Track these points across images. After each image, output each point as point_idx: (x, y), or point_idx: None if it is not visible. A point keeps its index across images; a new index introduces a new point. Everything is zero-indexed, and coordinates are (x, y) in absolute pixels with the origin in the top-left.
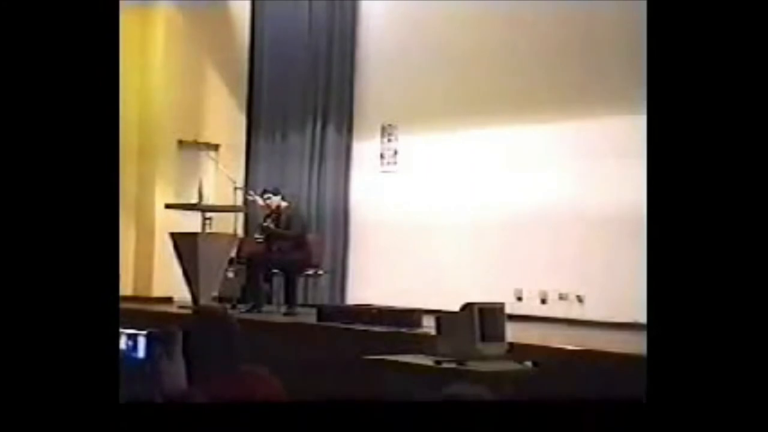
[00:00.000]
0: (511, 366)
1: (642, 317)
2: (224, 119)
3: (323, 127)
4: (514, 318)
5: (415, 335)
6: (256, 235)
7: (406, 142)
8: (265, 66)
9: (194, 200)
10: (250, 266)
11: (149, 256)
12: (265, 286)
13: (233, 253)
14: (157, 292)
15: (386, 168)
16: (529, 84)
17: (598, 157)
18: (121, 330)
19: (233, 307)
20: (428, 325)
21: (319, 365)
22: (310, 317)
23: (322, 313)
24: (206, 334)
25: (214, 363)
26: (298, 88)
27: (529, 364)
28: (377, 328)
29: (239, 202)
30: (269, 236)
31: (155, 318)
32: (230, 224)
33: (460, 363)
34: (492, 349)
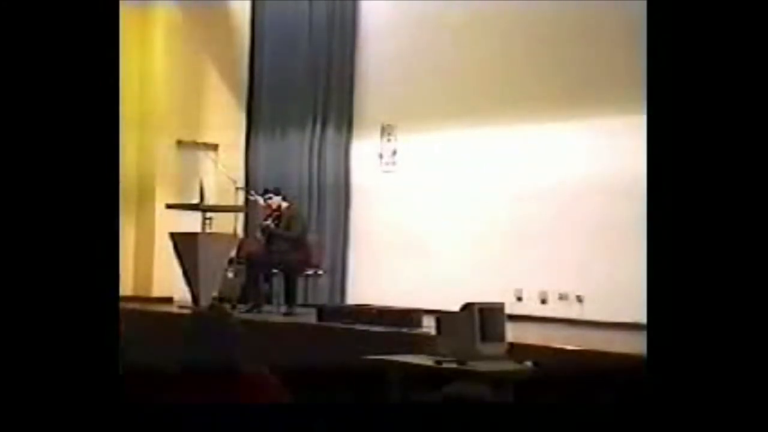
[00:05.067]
0: (511, 366)
1: (642, 317)
2: (224, 119)
3: (323, 127)
4: (514, 318)
5: (415, 335)
6: (257, 235)
7: (405, 142)
8: (265, 66)
9: (194, 200)
10: (250, 266)
11: (149, 256)
12: (265, 286)
13: (233, 253)
14: (157, 292)
15: (386, 168)
16: (529, 84)
17: (598, 157)
18: None
19: (233, 307)
20: (428, 325)
21: (319, 365)
22: (310, 317)
23: (322, 313)
24: (207, 334)
25: (215, 363)
26: (298, 87)
27: (529, 364)
28: (377, 328)
29: (240, 202)
30: (270, 236)
31: (155, 318)
32: (230, 224)
33: (460, 363)
34: (492, 349)
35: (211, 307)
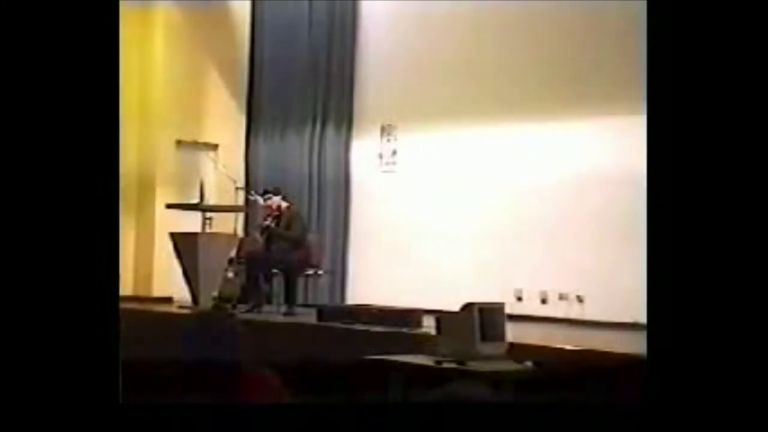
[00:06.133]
0: (511, 366)
1: (642, 317)
2: (224, 119)
3: (323, 127)
4: (514, 318)
5: (415, 335)
6: (256, 236)
7: (405, 142)
8: (265, 66)
9: (194, 200)
10: (250, 266)
11: (149, 256)
12: (265, 286)
13: (233, 253)
14: (157, 292)
15: (386, 168)
16: (529, 83)
17: (599, 156)
18: None
19: (233, 307)
20: (428, 325)
21: (319, 365)
22: (310, 317)
23: (322, 313)
24: (210, 334)
25: (216, 364)
26: (298, 87)
27: (529, 364)
28: (377, 328)
29: (240, 202)
30: (269, 236)
31: (156, 318)
32: (230, 224)
33: (460, 363)
34: (492, 349)
35: (214, 307)
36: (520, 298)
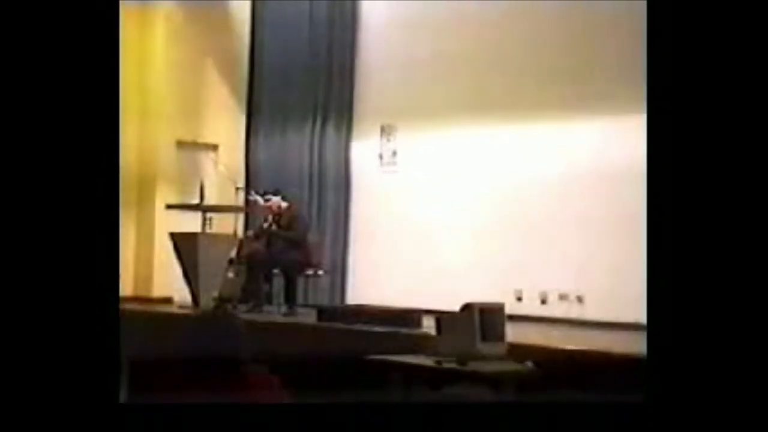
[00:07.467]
0: (511, 366)
1: (643, 317)
2: (224, 119)
3: (323, 127)
4: (514, 318)
5: (415, 335)
6: (257, 236)
7: (405, 142)
8: (265, 66)
9: (194, 200)
10: (251, 266)
11: (149, 257)
12: (266, 286)
13: (233, 254)
14: (157, 292)
15: (385, 168)
16: (529, 84)
17: (599, 157)
18: None
19: (234, 307)
20: (428, 325)
21: (319, 365)
22: (310, 317)
23: (322, 313)
24: (213, 335)
25: (219, 364)
26: (298, 87)
27: (529, 364)
28: (377, 328)
29: (240, 202)
30: (270, 237)
31: (156, 318)
32: (230, 224)
33: (460, 363)
34: (492, 349)
35: (217, 308)
36: (520, 298)
